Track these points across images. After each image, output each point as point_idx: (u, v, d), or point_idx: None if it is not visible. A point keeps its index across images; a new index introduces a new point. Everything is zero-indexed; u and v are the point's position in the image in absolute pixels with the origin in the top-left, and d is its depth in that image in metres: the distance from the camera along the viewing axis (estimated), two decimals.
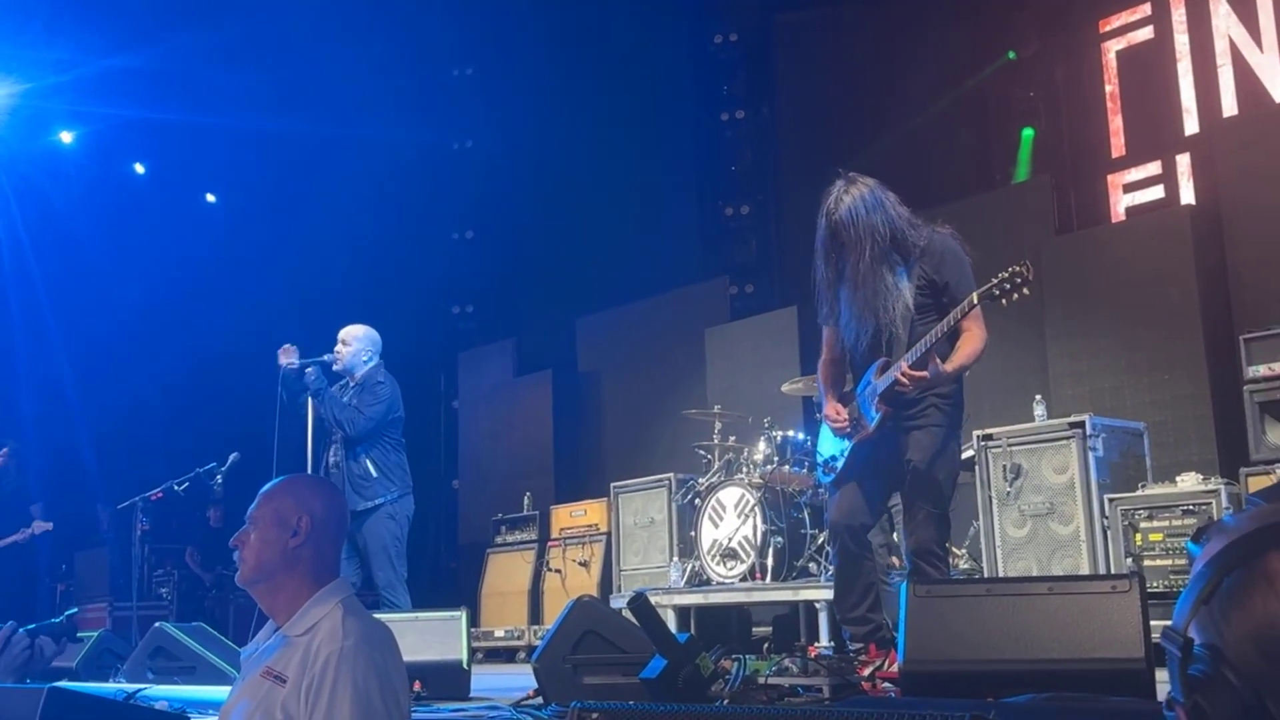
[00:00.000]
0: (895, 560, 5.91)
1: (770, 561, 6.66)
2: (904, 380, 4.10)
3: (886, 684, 3.89)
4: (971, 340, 4.14)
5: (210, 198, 11.89)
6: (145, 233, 11.00)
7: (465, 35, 11.53)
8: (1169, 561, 5.59)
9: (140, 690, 5.61)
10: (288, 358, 6.04)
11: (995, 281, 4.02)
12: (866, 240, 4.15)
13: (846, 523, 4.36)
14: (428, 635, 4.97)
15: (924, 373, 4.07)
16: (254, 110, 10.53)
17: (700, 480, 7.47)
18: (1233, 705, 1.26)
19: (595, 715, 1.89)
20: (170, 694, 5.48)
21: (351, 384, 6.11)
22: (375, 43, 10.79)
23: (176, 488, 8.30)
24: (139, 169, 11.55)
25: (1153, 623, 3.05)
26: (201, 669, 6.37)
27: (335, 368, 6.10)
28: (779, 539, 6.69)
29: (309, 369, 6.05)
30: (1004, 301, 4.02)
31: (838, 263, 4.31)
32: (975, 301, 4.06)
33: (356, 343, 6.12)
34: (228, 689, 4.19)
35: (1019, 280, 3.97)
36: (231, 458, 7.82)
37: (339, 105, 10.90)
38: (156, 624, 7.07)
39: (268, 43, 10.22)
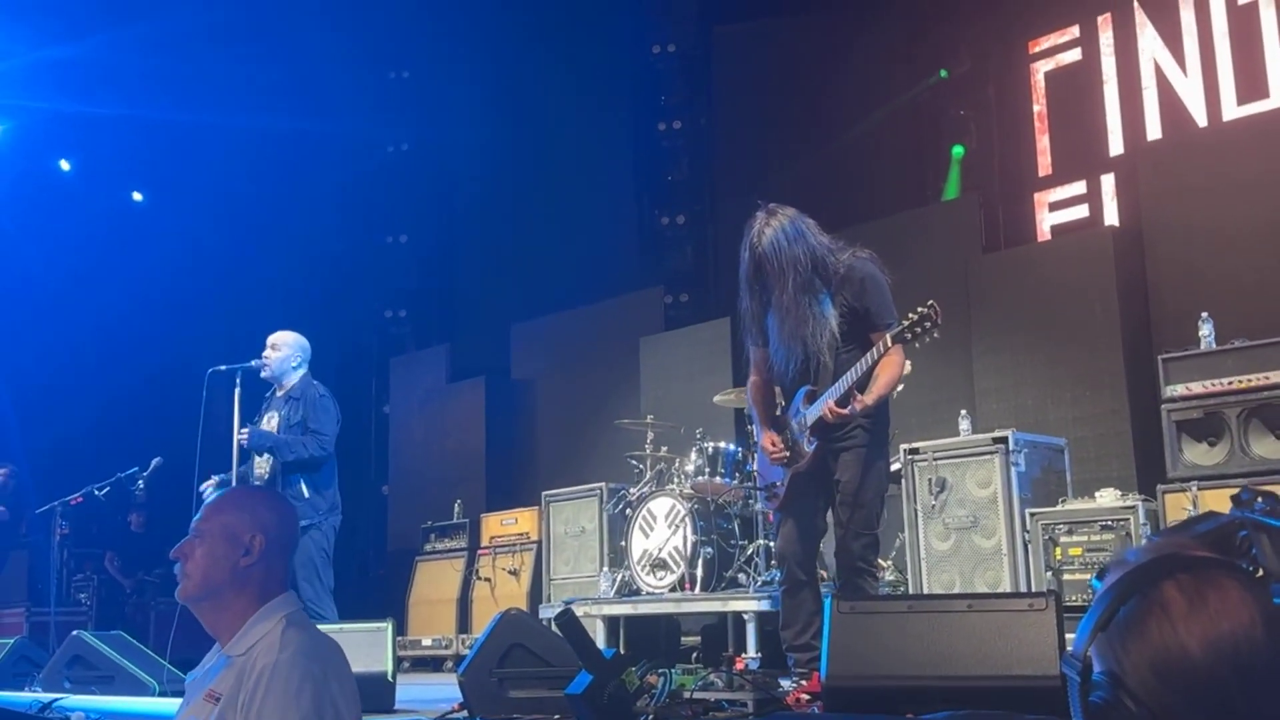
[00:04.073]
0: (824, 573, 5.97)
1: (700, 572, 6.68)
2: (829, 418, 4.24)
3: (809, 698, 3.93)
4: (889, 368, 4.26)
5: (137, 196, 11.66)
6: (70, 231, 10.76)
7: (403, 38, 11.45)
8: (1087, 576, 5.71)
9: (56, 700, 5.49)
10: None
11: (905, 325, 4.16)
12: (789, 271, 4.24)
13: (793, 552, 4.49)
14: (352, 647, 4.86)
15: (847, 411, 4.22)
16: (184, 109, 10.36)
17: (632, 490, 7.48)
18: None
19: None
20: (87, 704, 5.36)
21: (280, 393, 6.02)
22: (312, 42, 10.66)
23: (97, 492, 8.13)
24: (64, 166, 11.30)
25: (1070, 637, 3.11)
26: (120, 679, 6.24)
27: (263, 374, 6.01)
28: (709, 550, 6.72)
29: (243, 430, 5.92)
30: (916, 344, 4.15)
31: (762, 294, 4.39)
32: (889, 344, 4.20)
33: (286, 349, 6.03)
34: (146, 700, 4.10)
35: (928, 324, 4.09)
36: (154, 462, 7.68)
37: (273, 105, 10.75)
38: (74, 632, 6.91)
39: (200, 40, 10.07)
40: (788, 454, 4.46)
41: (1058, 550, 5.88)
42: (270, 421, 5.99)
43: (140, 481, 8.02)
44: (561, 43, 10.66)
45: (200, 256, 10.90)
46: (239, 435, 5.89)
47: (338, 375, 7.24)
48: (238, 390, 6.01)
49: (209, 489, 5.99)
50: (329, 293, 10.83)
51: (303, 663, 2.15)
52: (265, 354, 6.02)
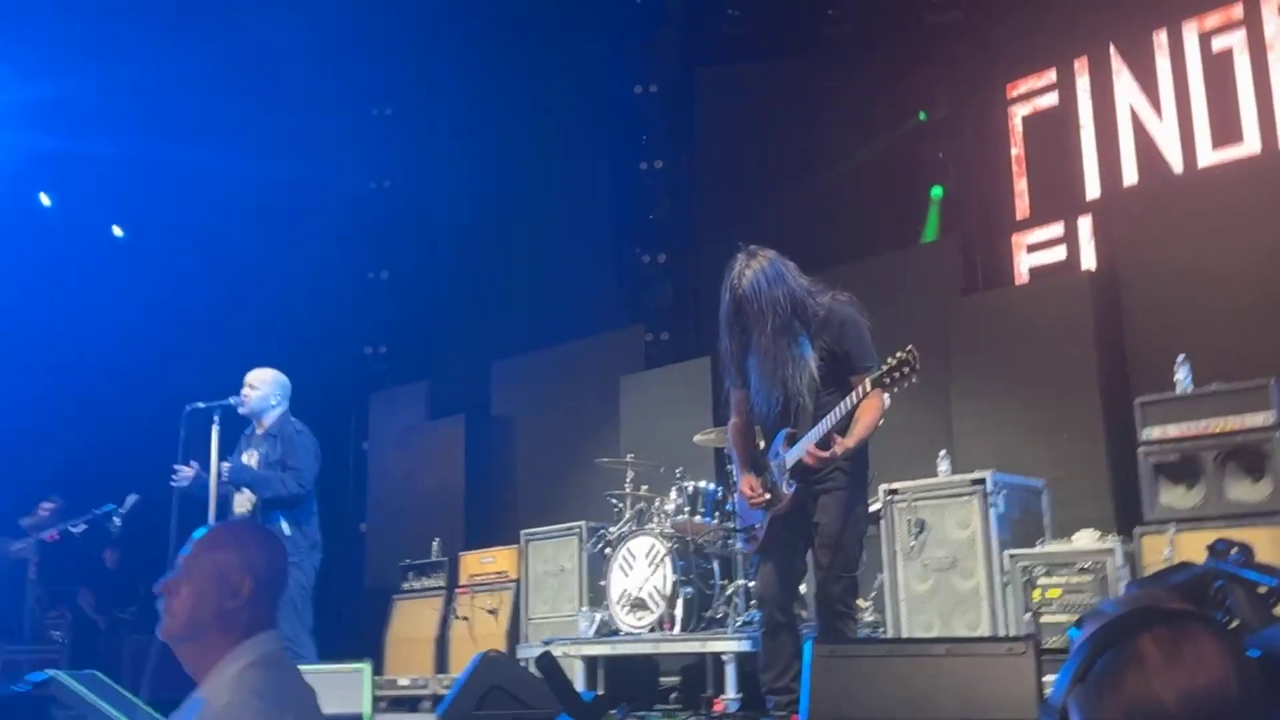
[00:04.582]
0: (803, 613, 5.96)
1: (680, 612, 6.66)
2: (809, 462, 4.27)
3: None
4: (869, 411, 4.30)
5: (117, 231, 11.63)
6: (48, 266, 10.71)
7: (385, 74, 11.48)
8: (1066, 618, 5.72)
9: None
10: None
11: (884, 370, 4.20)
12: (769, 313, 4.28)
13: (773, 595, 4.52)
14: (329, 688, 4.83)
15: (827, 454, 4.25)
16: (165, 144, 10.36)
17: (611, 529, 7.46)
18: None
19: None
20: None
21: (259, 430, 6.00)
22: (293, 78, 10.69)
23: (72, 529, 8.08)
24: (45, 200, 11.26)
25: (1049, 678, 3.12)
26: (93, 719, 6.16)
27: (241, 411, 5.99)
28: (689, 589, 6.70)
29: (227, 464, 5.89)
30: (894, 389, 4.19)
31: (742, 335, 4.42)
32: (868, 389, 4.24)
33: (265, 386, 6.02)
34: None
35: (907, 369, 4.14)
36: (130, 499, 7.63)
37: (254, 141, 10.76)
38: (49, 673, 6.83)
39: (182, 78, 10.09)
40: (767, 497, 4.48)
41: (1036, 592, 5.88)
42: (249, 459, 5.97)
43: (116, 518, 7.97)
44: (544, 81, 10.73)
45: (179, 292, 10.86)
46: (219, 471, 5.85)
47: (316, 410, 7.20)
48: (215, 428, 5.98)
49: (184, 476, 5.94)
50: (309, 328, 10.78)
51: (255, 704, 2.07)
52: (244, 392, 6.01)
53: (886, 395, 4.49)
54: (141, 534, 8.80)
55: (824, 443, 4.28)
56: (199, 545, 2.31)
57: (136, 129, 10.33)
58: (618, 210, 10.83)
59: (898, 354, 4.16)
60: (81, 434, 10.56)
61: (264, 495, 5.76)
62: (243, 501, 5.91)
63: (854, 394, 4.26)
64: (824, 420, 4.28)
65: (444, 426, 10.49)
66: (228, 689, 2.13)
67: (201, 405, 6.00)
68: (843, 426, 4.29)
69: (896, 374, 4.15)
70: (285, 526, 5.84)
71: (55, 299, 10.58)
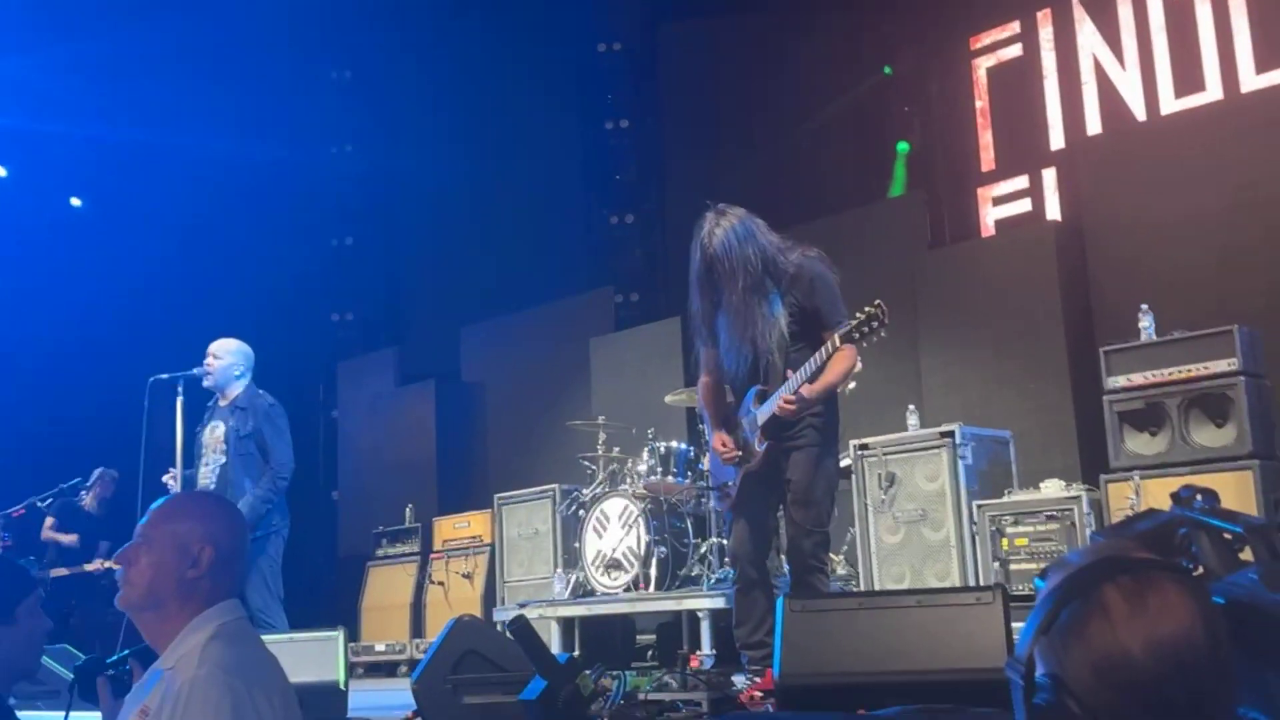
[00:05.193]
0: (778, 566, 6.00)
1: (654, 571, 6.69)
2: (781, 413, 4.26)
3: (761, 695, 3.95)
4: (837, 362, 4.29)
5: (75, 201, 11.45)
6: (6, 239, 10.54)
7: (343, 38, 11.33)
8: (1034, 565, 5.78)
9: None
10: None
11: (853, 325, 4.19)
12: (740, 272, 4.27)
13: (746, 552, 4.53)
14: (303, 656, 4.85)
15: (794, 402, 4.25)
16: (123, 116, 10.19)
17: (584, 491, 7.47)
18: None
19: None
20: None
21: (223, 401, 5.94)
22: (250, 43, 10.51)
23: (39, 504, 8.01)
24: (0, 172, 11.06)
25: (1018, 625, 3.15)
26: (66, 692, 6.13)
27: (205, 383, 5.92)
28: (662, 549, 6.72)
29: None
30: (864, 344, 4.19)
31: (713, 294, 4.42)
32: (838, 344, 4.24)
33: (229, 356, 5.94)
34: (94, 714, 4.03)
35: (875, 323, 4.14)
36: (96, 473, 7.57)
37: (213, 108, 10.60)
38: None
39: (139, 46, 9.89)
40: (739, 454, 4.49)
41: (1004, 541, 5.95)
42: (215, 431, 5.91)
43: (83, 492, 7.90)
44: (507, 41, 10.61)
45: (141, 263, 10.71)
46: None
47: (283, 380, 7.13)
48: (180, 399, 5.92)
49: (171, 480, 5.90)
50: (273, 296, 10.67)
51: (221, 678, 2.05)
52: (207, 362, 5.93)
53: (859, 361, 4.51)
54: (109, 508, 8.74)
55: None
56: (158, 515, 2.28)
57: (93, 100, 10.15)
58: (585, 172, 10.76)
59: (866, 309, 4.17)
60: (45, 408, 10.45)
61: (261, 511, 5.69)
62: (206, 473, 5.86)
63: (824, 348, 4.26)
64: (795, 375, 4.28)
65: (414, 393, 10.45)
66: (190, 664, 2.10)
67: (165, 377, 5.93)
68: (813, 381, 4.30)
69: (865, 328, 4.16)
70: (259, 489, 5.80)
71: (13, 273, 10.42)
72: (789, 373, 4.30)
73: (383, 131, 11.48)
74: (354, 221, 11.58)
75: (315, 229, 11.53)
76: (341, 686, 4.95)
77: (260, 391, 5.93)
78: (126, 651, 2.50)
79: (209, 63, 10.41)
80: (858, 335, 4.17)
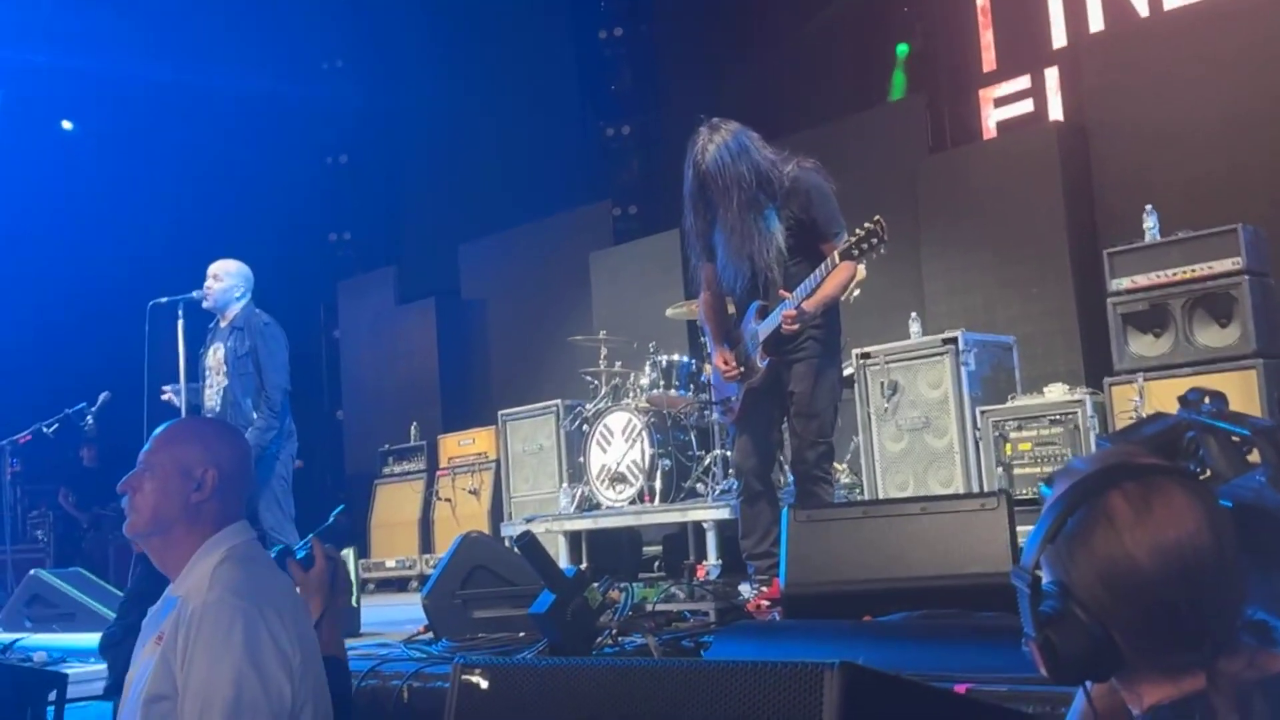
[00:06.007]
0: (782, 479, 6.03)
1: (659, 484, 6.73)
2: (787, 326, 4.23)
3: (769, 604, 3.99)
4: (838, 274, 4.26)
5: (67, 125, 11.30)
6: (3, 168, 10.44)
7: None
8: (1037, 469, 5.81)
9: (17, 640, 5.47)
10: None
11: (852, 242, 4.16)
12: (734, 188, 4.21)
13: (750, 464, 4.54)
14: None
15: (795, 318, 4.22)
16: (116, 35, 10.02)
17: (588, 406, 7.49)
18: (1081, 639, 1.31)
19: (478, 671, 1.86)
20: (49, 643, 5.34)
21: (223, 323, 5.91)
22: None
23: (45, 429, 8.03)
24: None
25: (1022, 529, 3.16)
26: (81, 616, 6.22)
27: (205, 305, 5.88)
28: (666, 461, 6.76)
29: None
30: (863, 261, 4.15)
31: (707, 211, 4.37)
32: (837, 261, 4.21)
33: (228, 278, 5.89)
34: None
35: (875, 239, 4.10)
36: (102, 397, 7.58)
37: (204, 27, 10.41)
38: (32, 571, 6.87)
39: None
40: (741, 370, 4.48)
41: (1008, 446, 5.97)
42: (217, 354, 5.89)
43: (89, 416, 7.91)
44: None
45: (137, 185, 10.61)
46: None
47: (283, 301, 7.11)
48: (180, 322, 5.90)
49: (168, 396, 5.91)
50: (271, 218, 10.58)
51: (231, 600, 2.07)
52: (207, 284, 5.89)
53: (861, 268, 4.48)
54: (115, 431, 8.77)
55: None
56: (160, 440, 2.27)
57: (86, 27, 9.96)
58: (580, 83, 10.59)
59: (865, 225, 4.13)
60: (46, 333, 10.45)
61: (266, 439, 5.68)
62: (211, 394, 5.86)
63: (824, 265, 4.23)
64: (796, 292, 4.25)
65: (414, 311, 10.43)
66: (201, 589, 2.12)
67: (165, 300, 5.91)
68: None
69: (865, 245, 4.12)
70: (257, 418, 5.79)
71: (9, 199, 10.33)
72: (782, 292, 4.26)
73: (375, 47, 11.29)
74: (349, 140, 11.46)
75: (310, 148, 11.41)
76: (354, 603, 5.02)
77: (257, 311, 5.90)
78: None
79: None
80: (856, 252, 4.14)
